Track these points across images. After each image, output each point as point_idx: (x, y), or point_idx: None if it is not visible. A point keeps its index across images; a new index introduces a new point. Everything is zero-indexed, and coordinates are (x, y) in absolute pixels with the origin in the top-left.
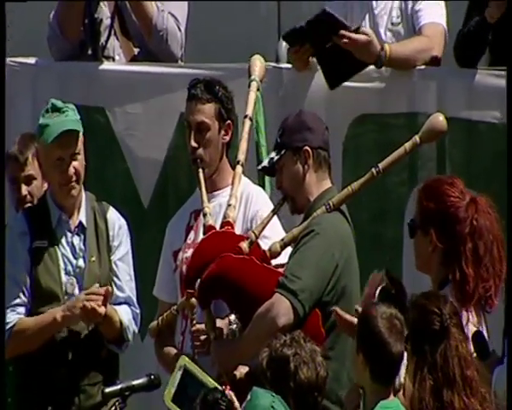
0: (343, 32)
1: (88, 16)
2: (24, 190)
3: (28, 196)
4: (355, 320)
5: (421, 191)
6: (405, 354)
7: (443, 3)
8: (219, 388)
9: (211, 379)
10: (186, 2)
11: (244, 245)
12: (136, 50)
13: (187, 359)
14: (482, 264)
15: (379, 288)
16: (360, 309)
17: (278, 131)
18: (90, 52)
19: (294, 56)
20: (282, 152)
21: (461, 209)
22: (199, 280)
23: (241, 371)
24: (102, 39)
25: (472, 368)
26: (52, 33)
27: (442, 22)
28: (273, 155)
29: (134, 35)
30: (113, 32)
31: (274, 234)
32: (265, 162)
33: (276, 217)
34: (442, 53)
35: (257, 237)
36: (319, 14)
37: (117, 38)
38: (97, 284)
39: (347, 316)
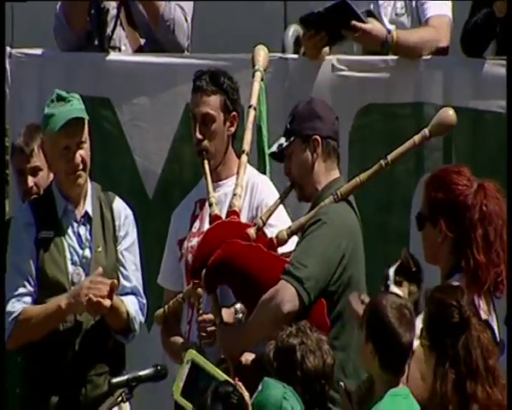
0: (354, 23)
1: (94, 6)
2: (30, 181)
3: (35, 188)
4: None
5: (429, 182)
6: (416, 345)
7: None
8: (230, 381)
9: (220, 372)
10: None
11: (251, 231)
12: (142, 41)
13: (194, 352)
14: (493, 249)
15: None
16: (367, 299)
17: (288, 118)
18: (96, 42)
19: (308, 43)
20: (292, 139)
21: (469, 196)
22: (197, 270)
23: (247, 357)
24: (109, 30)
25: (494, 357)
26: (58, 23)
27: (448, 14)
28: (282, 140)
29: (140, 25)
30: (119, 23)
31: (279, 222)
32: (274, 148)
33: (281, 206)
34: (449, 44)
35: (264, 224)
36: (337, 3)
37: (123, 29)
38: (100, 269)
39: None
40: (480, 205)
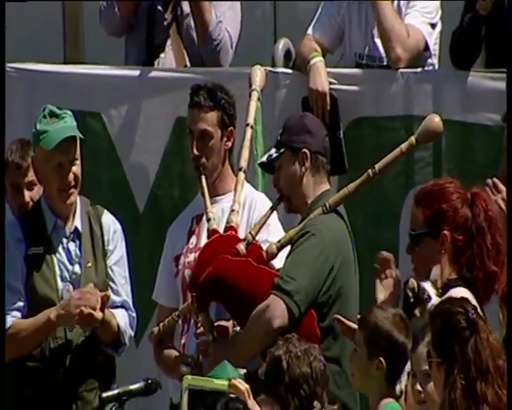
0: None
1: (148, 7)
2: (27, 196)
3: (30, 202)
4: (355, 326)
5: (423, 197)
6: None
7: (433, 16)
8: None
9: (218, 382)
10: (239, 19)
11: (241, 247)
12: (187, 61)
13: (189, 377)
14: (501, 255)
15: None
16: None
17: (280, 130)
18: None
19: None
20: (281, 151)
21: (470, 204)
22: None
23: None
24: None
25: (502, 358)
26: (106, 4)
27: (423, 31)
28: (272, 151)
29: (187, 41)
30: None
31: (277, 238)
32: (264, 158)
33: (277, 221)
34: (401, 56)
35: (253, 238)
36: None
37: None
38: (91, 284)
39: (350, 323)
40: (484, 211)
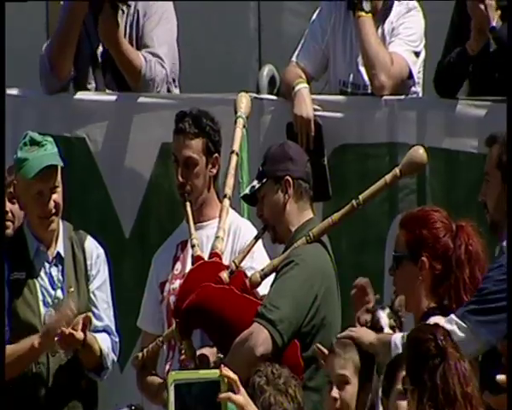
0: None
1: (88, 51)
2: (7, 205)
3: (10, 214)
4: None
5: (408, 221)
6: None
7: (417, 44)
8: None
9: (204, 371)
10: (175, 24)
11: (224, 275)
12: None
13: (173, 373)
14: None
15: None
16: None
17: (261, 160)
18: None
19: None
20: (264, 180)
21: (453, 235)
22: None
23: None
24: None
25: (472, 385)
26: (43, 67)
27: (406, 60)
28: (255, 183)
29: None
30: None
31: (261, 264)
32: (247, 190)
33: (262, 248)
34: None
35: (237, 267)
36: None
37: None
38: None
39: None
40: (465, 245)
